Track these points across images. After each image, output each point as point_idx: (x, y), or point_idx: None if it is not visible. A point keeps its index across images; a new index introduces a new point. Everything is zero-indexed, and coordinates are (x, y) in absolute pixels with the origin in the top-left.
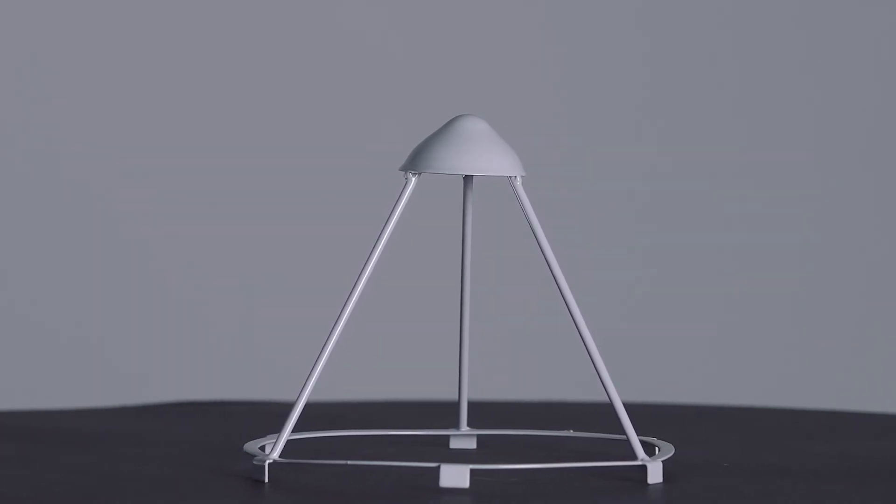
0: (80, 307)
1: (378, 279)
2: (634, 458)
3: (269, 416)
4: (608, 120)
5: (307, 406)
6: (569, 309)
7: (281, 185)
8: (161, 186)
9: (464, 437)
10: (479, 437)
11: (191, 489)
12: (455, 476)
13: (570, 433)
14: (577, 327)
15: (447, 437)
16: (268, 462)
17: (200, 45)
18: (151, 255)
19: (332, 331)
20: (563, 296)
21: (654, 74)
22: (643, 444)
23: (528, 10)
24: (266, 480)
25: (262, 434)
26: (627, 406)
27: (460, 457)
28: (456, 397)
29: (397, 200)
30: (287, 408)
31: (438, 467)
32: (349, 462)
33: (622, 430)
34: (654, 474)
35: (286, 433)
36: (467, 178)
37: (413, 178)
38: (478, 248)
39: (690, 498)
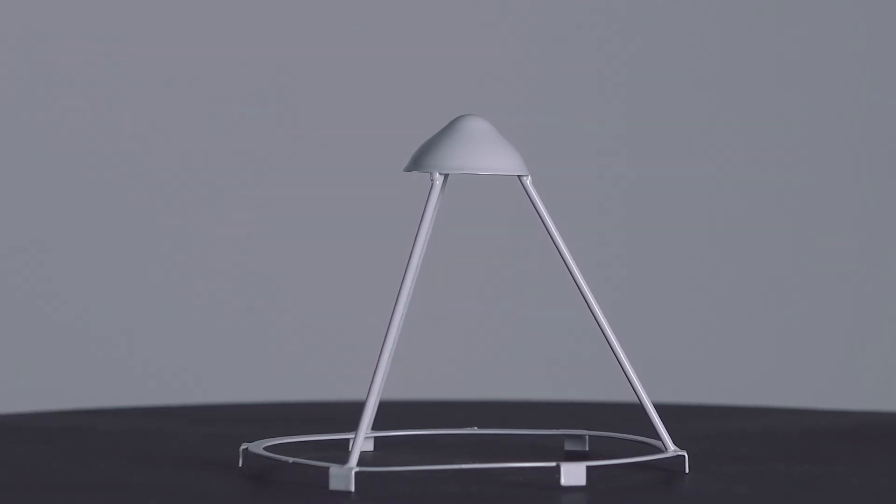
0: (87, 308)
1: (371, 279)
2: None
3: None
4: (600, 121)
5: (203, 409)
6: (589, 306)
7: (279, 188)
8: (164, 185)
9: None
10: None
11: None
12: (574, 474)
13: (475, 430)
14: (598, 323)
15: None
16: (354, 471)
17: (206, 51)
18: (153, 255)
19: (386, 334)
20: (582, 294)
21: (651, 73)
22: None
23: (510, 13)
24: (352, 489)
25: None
26: (599, 403)
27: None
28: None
29: (427, 202)
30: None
31: (558, 466)
32: (462, 466)
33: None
34: (687, 463)
35: (360, 439)
36: (444, 177)
37: (440, 179)
38: (474, 246)
39: (742, 481)
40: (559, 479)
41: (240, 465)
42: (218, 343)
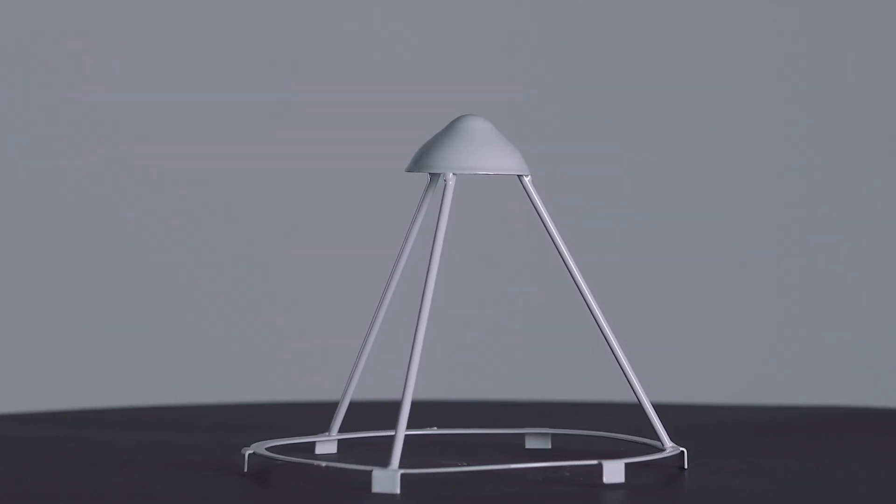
0: (87, 308)
1: (369, 279)
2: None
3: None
4: (600, 121)
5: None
6: (588, 305)
7: (278, 188)
8: (159, 184)
9: (328, 442)
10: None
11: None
12: (615, 472)
13: (434, 430)
14: (597, 322)
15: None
16: (400, 473)
17: (207, 51)
18: (150, 255)
19: (415, 334)
20: (582, 293)
21: (652, 72)
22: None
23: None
24: (398, 492)
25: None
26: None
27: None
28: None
29: (442, 203)
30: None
31: (600, 464)
32: (508, 466)
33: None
34: (686, 460)
35: (400, 440)
36: (432, 176)
37: (453, 179)
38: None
39: (743, 477)
40: (602, 477)
41: (245, 470)
42: (213, 343)
